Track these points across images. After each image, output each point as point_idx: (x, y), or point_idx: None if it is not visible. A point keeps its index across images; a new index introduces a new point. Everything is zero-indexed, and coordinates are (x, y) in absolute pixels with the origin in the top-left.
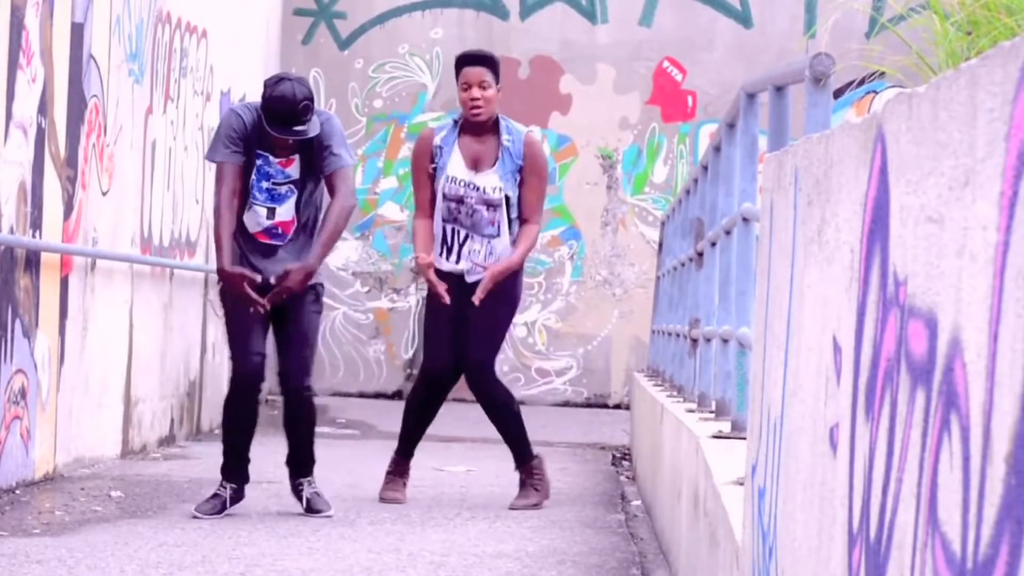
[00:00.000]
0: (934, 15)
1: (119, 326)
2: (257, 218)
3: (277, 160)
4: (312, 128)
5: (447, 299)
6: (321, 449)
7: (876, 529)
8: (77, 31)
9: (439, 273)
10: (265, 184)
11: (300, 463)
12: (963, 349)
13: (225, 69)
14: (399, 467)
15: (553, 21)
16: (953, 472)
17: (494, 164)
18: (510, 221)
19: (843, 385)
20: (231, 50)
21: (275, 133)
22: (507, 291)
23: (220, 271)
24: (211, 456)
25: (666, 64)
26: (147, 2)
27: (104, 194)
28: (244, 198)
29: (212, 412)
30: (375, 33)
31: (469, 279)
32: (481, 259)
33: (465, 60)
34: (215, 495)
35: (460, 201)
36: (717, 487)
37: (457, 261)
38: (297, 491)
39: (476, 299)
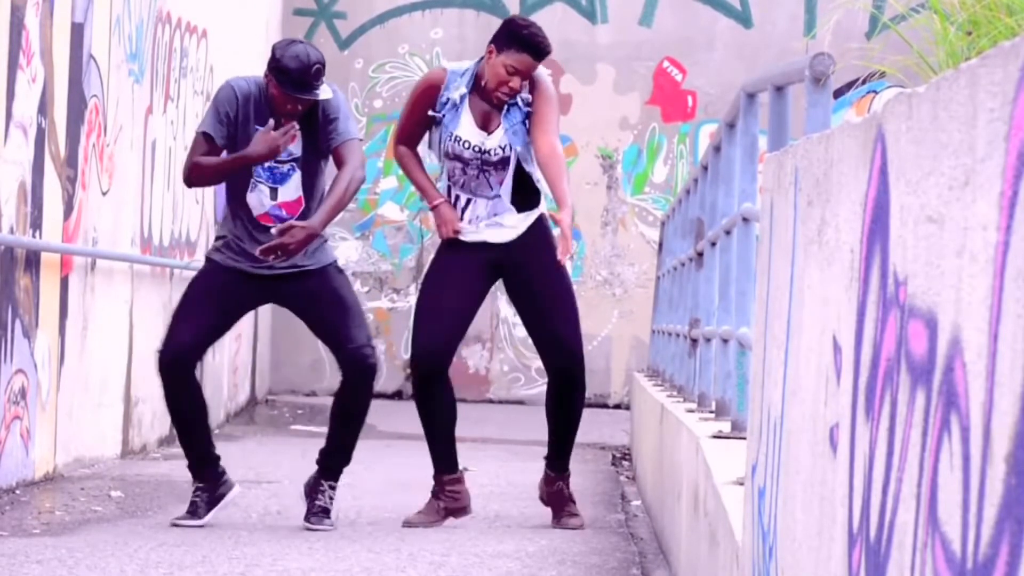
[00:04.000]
0: (934, 15)
1: (119, 326)
2: (261, 198)
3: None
4: (324, 92)
5: (457, 228)
6: None
7: (876, 529)
8: (77, 31)
9: (457, 242)
10: (266, 163)
11: (334, 458)
12: (963, 349)
13: (225, 69)
14: (440, 485)
15: (553, 21)
16: (953, 472)
17: (500, 123)
18: (523, 176)
19: (843, 385)
20: (231, 50)
21: (289, 94)
22: (554, 260)
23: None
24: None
25: (666, 64)
26: (147, 2)
27: (104, 194)
28: (246, 179)
29: (212, 412)
30: (375, 33)
31: (498, 238)
32: (488, 220)
33: (528, 46)
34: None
35: (464, 162)
36: (717, 487)
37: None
38: (312, 492)
39: (562, 256)
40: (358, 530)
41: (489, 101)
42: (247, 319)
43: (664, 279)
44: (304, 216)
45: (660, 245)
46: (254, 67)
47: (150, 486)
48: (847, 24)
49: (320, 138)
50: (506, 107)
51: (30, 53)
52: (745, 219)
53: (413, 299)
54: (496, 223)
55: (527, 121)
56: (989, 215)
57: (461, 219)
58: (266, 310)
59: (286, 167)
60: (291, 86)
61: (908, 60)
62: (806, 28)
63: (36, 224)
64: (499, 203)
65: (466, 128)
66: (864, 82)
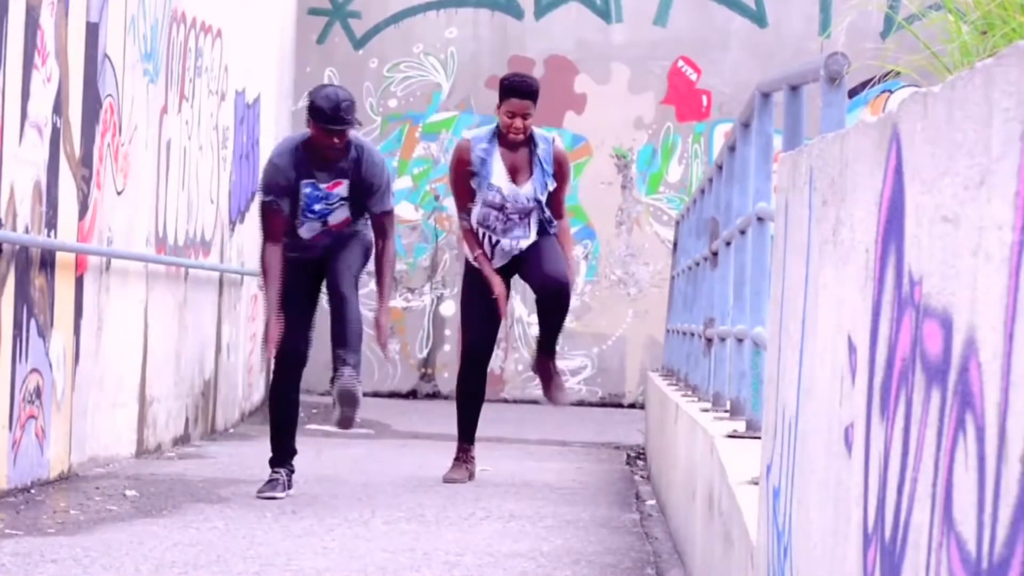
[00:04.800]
0: (949, 14)
1: (134, 326)
2: (312, 227)
3: (325, 186)
4: (353, 124)
5: (500, 293)
6: (336, 448)
7: (891, 529)
8: (92, 31)
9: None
10: (316, 206)
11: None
12: (978, 349)
13: (240, 69)
14: (464, 453)
15: (568, 21)
16: (968, 472)
17: (530, 174)
18: (539, 221)
19: (858, 385)
20: (246, 50)
21: (323, 127)
22: (551, 239)
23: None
24: (226, 455)
25: (681, 64)
26: (162, 2)
27: (119, 194)
28: (293, 221)
29: (227, 412)
30: (390, 33)
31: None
32: (518, 248)
33: (514, 91)
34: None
35: (500, 209)
36: (732, 487)
37: (491, 259)
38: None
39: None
40: (372, 530)
41: (512, 146)
42: (262, 320)
43: (679, 279)
44: (349, 224)
45: (675, 245)
46: (269, 67)
47: (165, 485)
48: (862, 24)
49: (364, 197)
50: (534, 165)
51: (45, 53)
52: (760, 219)
53: (428, 298)
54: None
55: (547, 179)
56: (1004, 215)
57: (491, 255)
58: None
59: (335, 205)
60: (327, 121)
61: (923, 60)
62: (821, 28)
63: (51, 224)
64: (524, 241)
65: (500, 176)
66: (879, 81)
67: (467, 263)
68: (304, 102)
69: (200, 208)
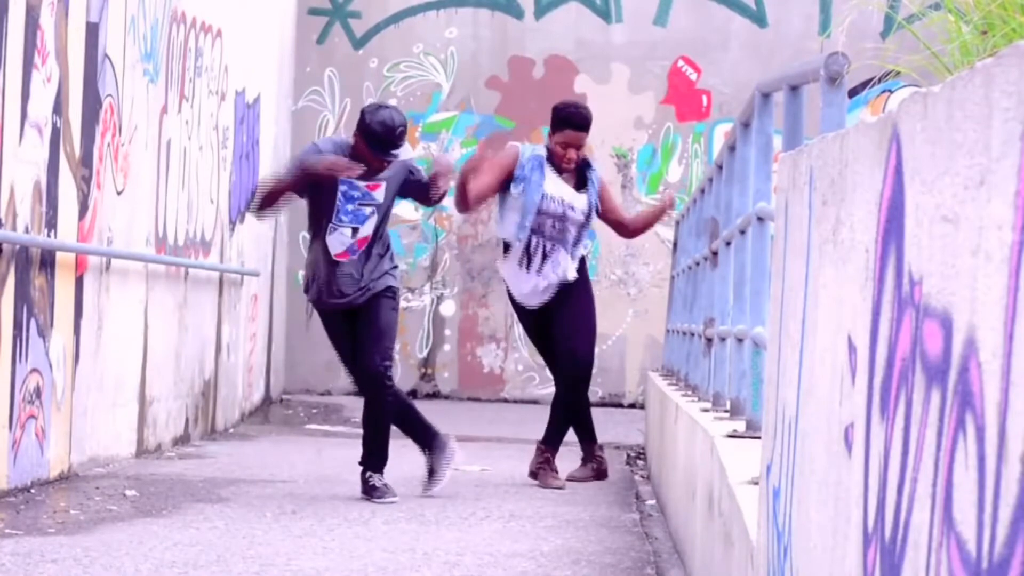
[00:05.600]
0: (949, 14)
1: (134, 326)
2: (342, 239)
3: (365, 184)
4: (405, 152)
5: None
6: (336, 448)
7: (891, 529)
8: (92, 31)
9: (517, 306)
10: (350, 207)
11: (369, 454)
12: (978, 349)
13: (240, 69)
14: (548, 457)
15: (568, 21)
16: (968, 472)
17: (582, 190)
18: (579, 247)
19: (858, 385)
20: (246, 50)
21: (376, 155)
22: (587, 291)
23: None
24: (226, 455)
25: (681, 63)
26: (162, 2)
27: (119, 194)
28: (326, 222)
29: (227, 412)
30: (390, 32)
31: (544, 294)
32: (562, 270)
33: (571, 123)
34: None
35: (560, 218)
36: (732, 486)
37: (539, 271)
38: (362, 480)
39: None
40: (372, 530)
41: (560, 170)
42: (262, 320)
43: (679, 278)
44: (369, 251)
45: (675, 244)
46: (269, 66)
47: (165, 485)
48: (862, 23)
49: (402, 191)
50: (588, 184)
51: (45, 53)
52: (760, 218)
53: (428, 298)
54: (553, 284)
55: (596, 199)
56: (1004, 214)
57: (541, 267)
58: (279, 309)
59: (368, 210)
60: (379, 147)
61: (923, 60)
62: (821, 27)
63: (51, 224)
64: (575, 252)
65: (555, 186)
66: (879, 81)
67: (513, 300)
68: (357, 118)
69: (200, 208)
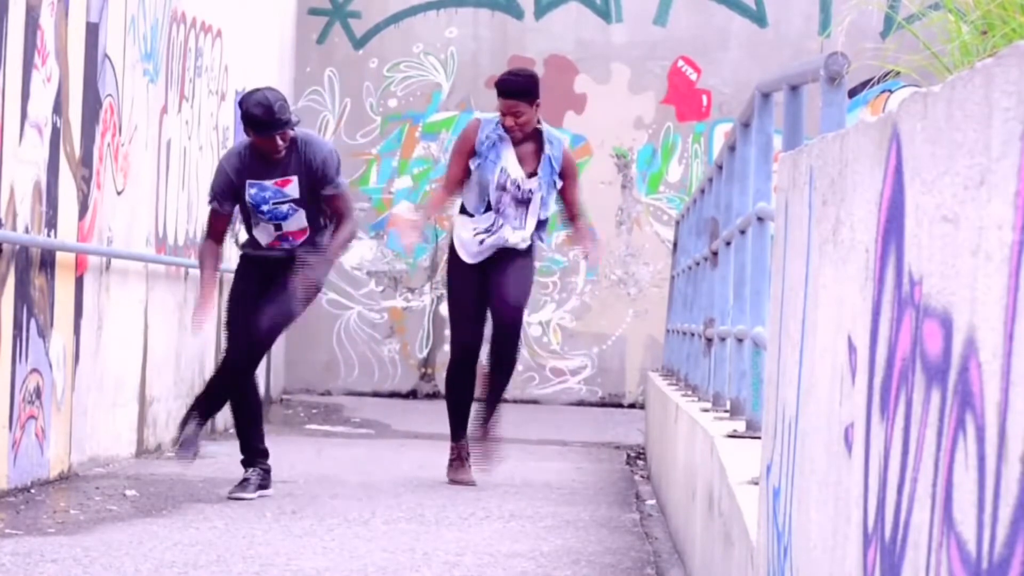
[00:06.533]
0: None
1: (134, 326)
2: (266, 231)
3: (273, 181)
4: (290, 124)
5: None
6: (336, 448)
7: (891, 529)
8: (92, 31)
9: (465, 266)
10: (265, 207)
11: None
12: (978, 349)
13: (240, 69)
14: (458, 451)
15: (568, 20)
16: (968, 472)
17: (535, 169)
18: (536, 218)
19: (858, 385)
20: (246, 50)
21: (263, 136)
22: (530, 262)
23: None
24: (226, 455)
25: (681, 63)
26: (162, 2)
27: (119, 193)
28: (250, 221)
29: (226, 412)
30: (390, 32)
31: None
32: (505, 243)
33: (500, 91)
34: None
35: (507, 192)
36: (732, 486)
37: (483, 244)
38: None
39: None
40: (372, 530)
41: (516, 141)
42: None
43: (679, 278)
44: (309, 240)
45: (675, 244)
46: (269, 66)
47: (165, 485)
48: (862, 23)
49: (317, 185)
50: (542, 162)
51: (45, 53)
52: (760, 218)
53: (427, 298)
54: (498, 243)
55: (554, 177)
56: (1004, 214)
57: (488, 232)
58: None
59: (285, 207)
60: (265, 129)
61: (923, 60)
62: (821, 27)
63: (51, 224)
64: (520, 232)
65: (511, 163)
66: (879, 81)
67: (450, 260)
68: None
69: (200, 208)
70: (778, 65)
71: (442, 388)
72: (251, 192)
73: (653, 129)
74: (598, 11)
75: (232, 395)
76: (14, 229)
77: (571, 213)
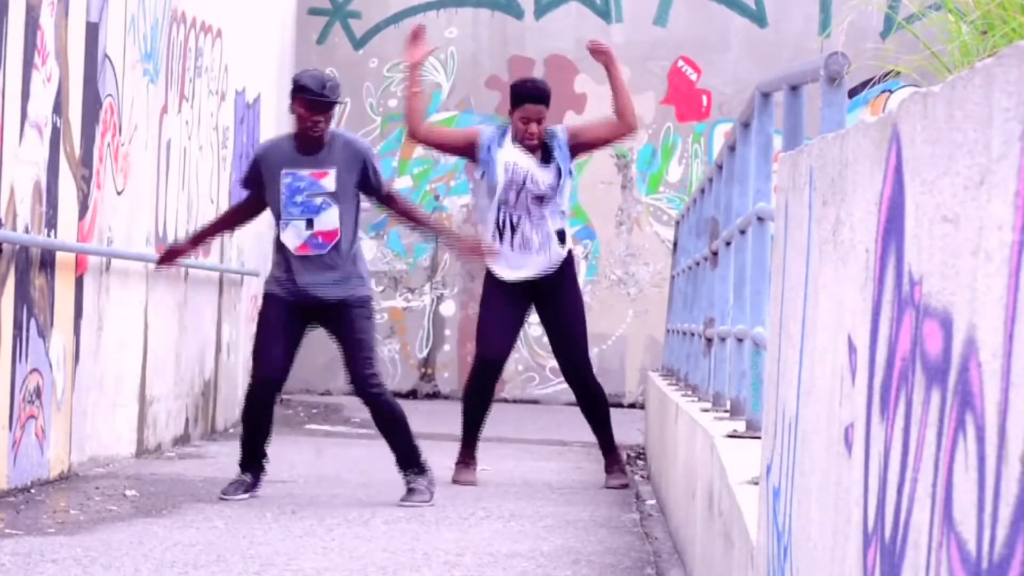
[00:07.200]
0: (949, 14)
1: (134, 326)
2: (296, 231)
3: (310, 172)
4: (338, 103)
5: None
6: (336, 448)
7: (891, 529)
8: (92, 31)
9: (501, 283)
10: (298, 198)
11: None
12: (978, 349)
13: (240, 68)
14: (466, 457)
15: (567, 20)
16: (968, 472)
17: (549, 163)
18: (557, 230)
19: (858, 385)
20: (246, 49)
21: (313, 99)
22: (576, 293)
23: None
24: (226, 455)
25: (681, 63)
26: (162, 2)
27: (119, 193)
28: (278, 219)
29: (227, 412)
30: (390, 32)
31: (522, 270)
32: (536, 246)
33: (528, 96)
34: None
35: (522, 188)
36: (732, 486)
37: (512, 245)
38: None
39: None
40: (372, 529)
41: (525, 149)
42: None
43: (679, 279)
44: (338, 242)
45: (675, 245)
46: (269, 66)
47: (165, 485)
48: (862, 23)
49: (359, 183)
50: (551, 157)
51: (45, 53)
52: (760, 219)
53: (428, 298)
54: (531, 259)
55: (566, 164)
56: (1004, 215)
57: (512, 238)
58: None
59: (319, 201)
60: (312, 95)
61: (923, 60)
62: (821, 28)
63: (51, 224)
64: (543, 225)
65: (517, 155)
66: (879, 81)
67: (487, 276)
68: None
69: (200, 208)
70: (778, 65)
71: (442, 388)
72: (286, 181)
73: (653, 129)
74: (598, 11)
75: (263, 415)
76: (14, 229)
77: (620, 107)
